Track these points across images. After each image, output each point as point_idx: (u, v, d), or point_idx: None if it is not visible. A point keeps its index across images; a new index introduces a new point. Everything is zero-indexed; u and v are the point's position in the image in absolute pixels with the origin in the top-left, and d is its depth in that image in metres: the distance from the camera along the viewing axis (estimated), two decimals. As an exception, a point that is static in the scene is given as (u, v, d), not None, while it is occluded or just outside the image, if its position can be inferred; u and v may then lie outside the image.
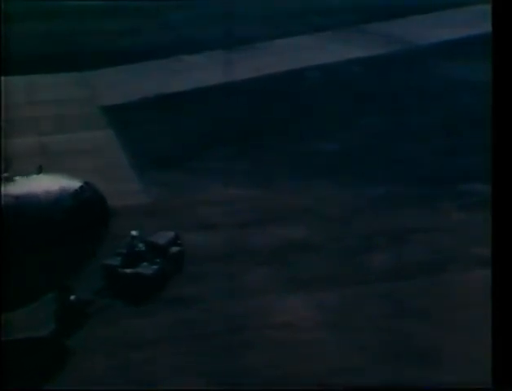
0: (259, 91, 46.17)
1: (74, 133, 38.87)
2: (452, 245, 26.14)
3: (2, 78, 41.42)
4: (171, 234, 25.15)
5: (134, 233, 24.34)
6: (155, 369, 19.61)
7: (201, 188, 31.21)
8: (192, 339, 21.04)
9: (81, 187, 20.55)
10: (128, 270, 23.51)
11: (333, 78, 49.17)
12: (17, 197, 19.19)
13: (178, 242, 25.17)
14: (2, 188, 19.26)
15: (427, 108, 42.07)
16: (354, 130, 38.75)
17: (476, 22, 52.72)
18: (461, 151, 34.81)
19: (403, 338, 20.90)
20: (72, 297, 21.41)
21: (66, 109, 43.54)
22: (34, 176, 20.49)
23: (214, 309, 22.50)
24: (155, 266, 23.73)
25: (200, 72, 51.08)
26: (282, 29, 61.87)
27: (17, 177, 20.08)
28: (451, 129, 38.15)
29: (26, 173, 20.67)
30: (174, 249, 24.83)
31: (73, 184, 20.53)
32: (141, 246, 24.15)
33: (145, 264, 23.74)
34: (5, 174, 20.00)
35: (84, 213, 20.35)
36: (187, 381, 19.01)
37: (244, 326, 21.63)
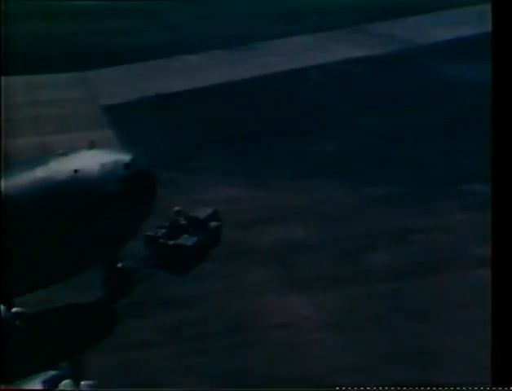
0: (259, 91, 46.18)
1: (74, 132, 38.85)
2: (452, 245, 26.14)
3: (2, 78, 41.46)
4: (210, 210, 27.07)
5: (176, 208, 26.12)
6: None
7: (201, 188, 31.20)
8: (191, 338, 21.10)
9: (132, 160, 21.98)
10: (170, 242, 25.27)
11: (332, 78, 49.18)
12: (76, 170, 20.36)
13: (217, 217, 26.97)
14: (62, 163, 20.52)
15: (427, 108, 42.08)
16: (354, 130, 38.75)
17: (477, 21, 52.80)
18: (461, 151, 34.84)
19: (403, 338, 20.92)
20: (120, 265, 22.88)
21: (66, 109, 43.55)
22: (87, 151, 21.80)
23: (212, 308, 22.55)
24: (195, 238, 25.52)
25: (199, 71, 51.11)
26: (282, 29, 61.91)
27: (72, 153, 21.36)
28: (451, 129, 38.17)
29: (79, 148, 22.02)
30: (213, 224, 26.67)
31: (124, 157, 22.14)
32: (183, 220, 25.99)
33: (186, 236, 25.56)
34: (61, 150, 21.25)
35: (135, 183, 21.78)
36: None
37: (243, 325, 21.64)
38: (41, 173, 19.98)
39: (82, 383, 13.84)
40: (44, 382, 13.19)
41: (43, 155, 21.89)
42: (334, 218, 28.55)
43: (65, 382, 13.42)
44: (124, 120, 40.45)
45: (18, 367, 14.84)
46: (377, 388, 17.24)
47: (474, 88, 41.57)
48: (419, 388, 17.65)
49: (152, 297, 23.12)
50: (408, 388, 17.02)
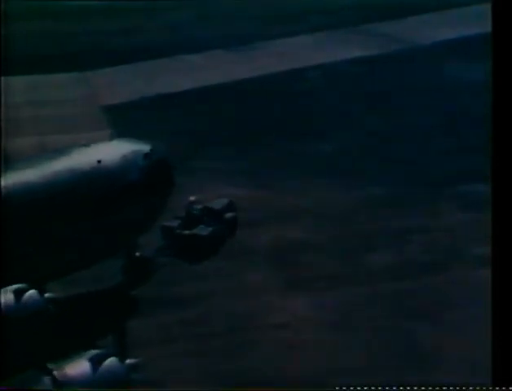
0: (259, 91, 46.14)
1: (74, 132, 38.81)
2: (452, 245, 26.13)
3: (2, 78, 41.44)
4: (226, 200, 27.54)
5: (192, 198, 26.67)
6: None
7: (201, 187, 31.17)
8: (192, 338, 21.09)
9: (151, 150, 22.72)
10: (186, 232, 25.74)
11: (332, 78, 49.14)
12: (99, 161, 21.16)
13: (233, 208, 27.35)
14: (85, 154, 21.42)
15: (428, 108, 42.06)
16: (354, 130, 38.73)
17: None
18: (461, 150, 34.83)
19: (403, 338, 20.91)
20: (138, 254, 23.59)
21: (66, 109, 43.52)
22: (108, 142, 22.82)
23: (214, 307, 22.56)
24: (210, 228, 25.95)
25: (200, 71, 51.08)
26: (282, 29, 61.86)
27: (94, 144, 22.24)
28: (451, 129, 38.16)
29: (100, 140, 23.01)
30: (229, 214, 27.10)
31: (143, 147, 22.81)
32: (198, 210, 26.51)
33: (202, 226, 26.04)
34: (83, 142, 22.15)
35: (155, 172, 22.48)
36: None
37: (243, 325, 21.63)
38: (66, 163, 20.80)
39: (127, 361, 14.26)
40: (91, 359, 13.69)
41: (67, 147, 22.55)
42: (334, 218, 28.54)
43: (111, 359, 13.90)
44: (124, 120, 40.39)
45: (50, 350, 15.21)
46: (377, 388, 17.23)
47: (474, 87, 41.54)
48: (419, 388, 17.63)
49: (152, 297, 23.17)
50: (408, 388, 17.01)
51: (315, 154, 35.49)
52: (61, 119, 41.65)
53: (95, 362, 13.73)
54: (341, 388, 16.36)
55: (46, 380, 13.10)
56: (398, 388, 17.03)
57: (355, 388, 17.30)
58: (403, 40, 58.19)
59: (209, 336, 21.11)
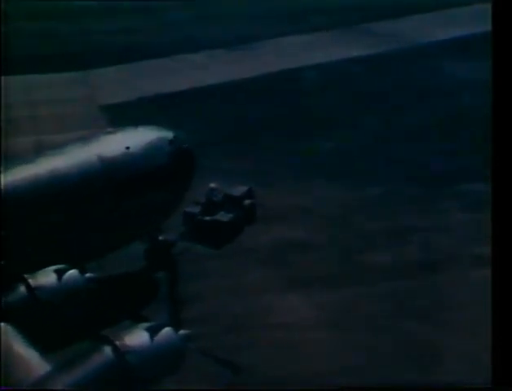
0: (259, 90, 46.14)
1: (74, 132, 38.81)
2: (452, 245, 26.13)
3: (2, 78, 41.43)
4: (245, 188, 28.19)
5: (212, 185, 27.26)
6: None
7: (201, 187, 31.15)
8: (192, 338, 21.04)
9: (175, 136, 23.40)
10: (207, 217, 26.32)
11: (332, 77, 49.13)
12: (128, 147, 21.71)
13: (252, 195, 28.04)
14: (113, 141, 22.04)
15: (428, 107, 42.05)
16: (354, 130, 38.72)
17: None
18: (461, 150, 34.82)
19: (403, 338, 20.90)
20: (161, 238, 24.18)
21: (65, 109, 43.51)
22: (133, 129, 23.31)
23: (213, 306, 22.55)
24: (230, 215, 26.63)
25: (200, 71, 51.08)
26: (282, 29, 61.84)
27: (120, 131, 22.99)
28: (451, 129, 38.15)
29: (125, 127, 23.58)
30: (248, 201, 27.74)
31: (168, 134, 23.49)
32: (219, 197, 27.18)
33: (222, 212, 26.72)
34: (110, 129, 23.14)
35: (179, 158, 23.09)
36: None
37: (242, 325, 21.62)
38: (95, 151, 21.32)
39: (180, 332, 14.50)
40: (148, 329, 13.96)
41: (93, 135, 23.06)
42: (334, 218, 28.53)
43: (166, 329, 14.17)
44: (124, 120, 40.37)
45: (96, 323, 15.83)
46: (377, 388, 17.24)
47: (474, 87, 41.53)
48: (419, 388, 17.65)
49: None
50: (408, 388, 17.02)
51: (315, 154, 35.48)
52: (61, 119, 41.63)
53: (152, 332, 13.99)
54: (341, 388, 16.36)
55: (107, 349, 13.30)
56: (398, 388, 17.04)
57: (355, 388, 17.33)
58: (404, 39, 58.18)
59: (208, 335, 21.08)
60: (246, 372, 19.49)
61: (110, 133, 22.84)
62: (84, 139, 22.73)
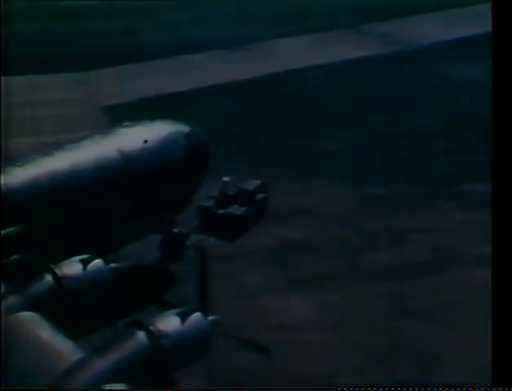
0: (259, 91, 46.17)
1: (74, 132, 38.82)
2: (452, 245, 26.14)
3: (2, 78, 41.44)
4: (258, 182, 27.74)
5: (225, 179, 26.91)
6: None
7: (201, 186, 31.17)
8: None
9: (191, 130, 23.21)
10: (220, 211, 26.08)
11: (332, 77, 49.16)
12: (146, 140, 21.60)
13: (264, 189, 27.69)
14: (131, 134, 21.93)
15: (428, 108, 42.07)
16: (354, 130, 38.73)
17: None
18: (461, 150, 34.83)
19: (403, 338, 20.91)
20: (175, 230, 23.85)
21: (66, 109, 43.54)
22: (150, 122, 23.15)
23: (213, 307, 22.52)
24: (244, 208, 26.24)
25: (199, 71, 51.10)
26: (281, 29, 61.87)
27: (137, 125, 22.70)
28: (451, 129, 38.16)
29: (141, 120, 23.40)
30: (260, 195, 27.32)
31: (184, 127, 23.28)
32: (232, 191, 26.80)
33: (235, 206, 26.32)
34: (126, 122, 22.56)
35: (195, 151, 23.09)
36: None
37: (242, 325, 21.62)
38: (114, 144, 21.32)
39: (209, 317, 14.66)
40: (178, 314, 14.05)
41: (110, 129, 23.18)
42: (334, 218, 28.55)
43: (196, 314, 14.31)
44: (124, 121, 40.35)
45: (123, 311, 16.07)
46: (377, 388, 17.22)
47: (475, 88, 41.54)
48: (419, 388, 17.62)
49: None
50: (408, 388, 17.00)
51: (315, 154, 35.51)
52: (61, 119, 41.67)
53: (183, 317, 14.08)
54: (341, 388, 16.35)
55: (141, 334, 13.29)
56: (398, 388, 17.03)
57: (355, 388, 17.30)
58: (404, 40, 58.20)
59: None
60: (246, 372, 19.49)
61: (127, 126, 22.82)
62: (101, 133, 22.88)
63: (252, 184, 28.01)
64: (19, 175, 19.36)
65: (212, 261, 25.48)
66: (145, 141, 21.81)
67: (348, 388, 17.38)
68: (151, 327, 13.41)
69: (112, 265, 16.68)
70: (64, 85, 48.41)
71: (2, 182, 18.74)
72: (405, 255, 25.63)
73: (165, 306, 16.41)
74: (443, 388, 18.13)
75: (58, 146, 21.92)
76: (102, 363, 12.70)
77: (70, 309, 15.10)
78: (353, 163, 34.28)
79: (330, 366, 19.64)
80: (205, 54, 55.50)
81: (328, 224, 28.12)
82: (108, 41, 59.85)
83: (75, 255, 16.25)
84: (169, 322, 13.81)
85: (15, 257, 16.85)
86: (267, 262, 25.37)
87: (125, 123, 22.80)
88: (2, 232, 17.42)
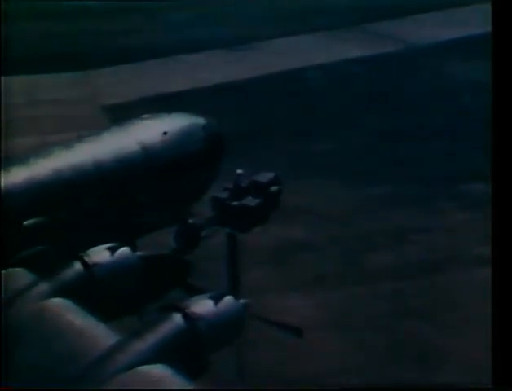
0: (259, 91, 46.18)
1: (74, 132, 38.82)
2: (452, 245, 26.14)
3: (2, 78, 41.44)
4: (271, 174, 27.85)
5: (239, 171, 27.14)
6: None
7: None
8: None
9: (207, 122, 23.65)
10: (234, 202, 26.28)
11: (333, 77, 49.17)
12: (165, 132, 22.05)
13: (278, 182, 27.77)
14: (150, 126, 22.40)
15: (428, 108, 42.08)
16: (354, 130, 38.74)
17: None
18: (461, 150, 34.84)
19: (403, 338, 20.91)
20: (191, 221, 24.13)
21: (66, 109, 43.54)
22: (168, 115, 23.64)
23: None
24: (257, 200, 26.43)
25: (199, 71, 51.12)
26: (282, 29, 61.87)
27: (155, 117, 23.22)
28: (451, 129, 38.17)
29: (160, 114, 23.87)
30: (274, 188, 27.42)
31: (200, 119, 23.83)
32: (246, 183, 27.01)
33: (249, 198, 26.55)
34: (146, 115, 23.12)
35: (212, 143, 23.53)
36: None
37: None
38: (134, 137, 21.71)
39: (240, 301, 15.09)
40: (211, 297, 14.35)
41: (130, 121, 23.40)
42: (334, 218, 28.55)
43: (228, 298, 14.70)
44: (124, 120, 40.36)
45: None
46: (377, 388, 17.25)
47: (475, 87, 41.55)
48: (419, 388, 17.65)
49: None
50: (408, 388, 17.02)
51: (315, 154, 35.51)
52: (61, 119, 41.67)
53: (216, 300, 14.37)
54: (341, 388, 16.35)
55: (177, 317, 13.50)
56: (398, 388, 17.04)
57: (355, 388, 17.32)
58: (404, 40, 58.21)
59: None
60: (246, 372, 19.46)
61: (146, 118, 23.12)
62: (121, 125, 23.16)
63: (266, 177, 28.58)
64: (45, 166, 19.56)
65: (212, 260, 25.61)
66: (164, 133, 22.21)
67: (348, 388, 17.41)
68: (187, 310, 13.58)
69: (138, 252, 16.97)
70: (64, 86, 48.41)
71: (22, 175, 18.96)
72: (405, 255, 25.63)
73: (191, 291, 16.78)
74: (443, 388, 18.16)
75: (80, 139, 22.19)
76: (140, 346, 12.81)
77: (100, 295, 15.35)
78: (353, 163, 34.30)
79: (330, 366, 19.64)
80: (206, 54, 55.51)
81: (328, 224, 28.12)
82: (108, 41, 59.86)
83: (99, 244, 16.43)
84: (203, 306, 14.02)
85: (41, 246, 17.14)
86: (268, 262, 25.35)
87: (144, 115, 23.17)
88: (28, 222, 17.68)
